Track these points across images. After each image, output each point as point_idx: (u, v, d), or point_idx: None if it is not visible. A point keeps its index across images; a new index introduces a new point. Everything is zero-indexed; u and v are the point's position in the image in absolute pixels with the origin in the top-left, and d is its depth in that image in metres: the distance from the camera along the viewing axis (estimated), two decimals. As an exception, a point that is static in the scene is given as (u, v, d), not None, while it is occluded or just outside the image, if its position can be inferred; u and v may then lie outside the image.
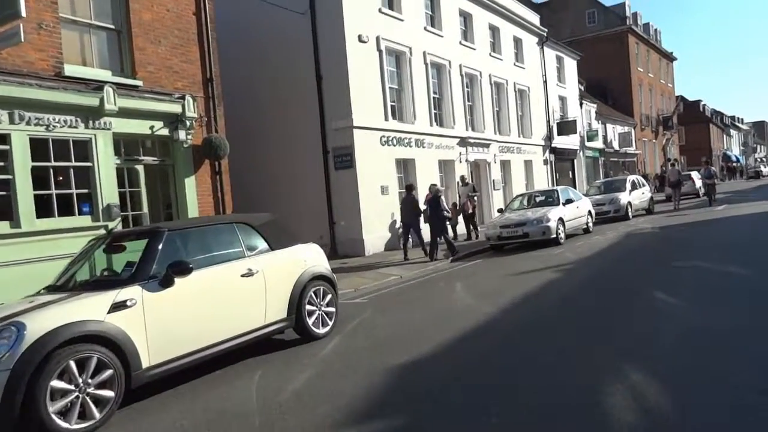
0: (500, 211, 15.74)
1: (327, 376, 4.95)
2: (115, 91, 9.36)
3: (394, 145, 16.00)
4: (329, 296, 6.52)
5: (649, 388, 3.81)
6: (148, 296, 4.63)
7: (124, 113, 9.64)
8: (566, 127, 27.66)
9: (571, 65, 30.84)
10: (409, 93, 16.98)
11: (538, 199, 15.44)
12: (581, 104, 31.54)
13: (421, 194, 16.05)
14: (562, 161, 28.61)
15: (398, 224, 15.70)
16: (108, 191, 9.41)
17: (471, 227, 16.65)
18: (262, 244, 5.98)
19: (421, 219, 13.70)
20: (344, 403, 4.16)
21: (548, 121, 26.82)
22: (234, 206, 11.99)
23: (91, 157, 9.26)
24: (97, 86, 9.25)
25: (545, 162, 26.33)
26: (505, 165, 22.66)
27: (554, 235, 13.32)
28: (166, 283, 4.75)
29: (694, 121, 56.68)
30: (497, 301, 7.27)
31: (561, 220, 13.76)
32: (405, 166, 16.84)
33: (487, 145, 20.90)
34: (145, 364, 4.53)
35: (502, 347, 5.28)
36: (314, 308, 6.27)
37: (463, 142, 19.38)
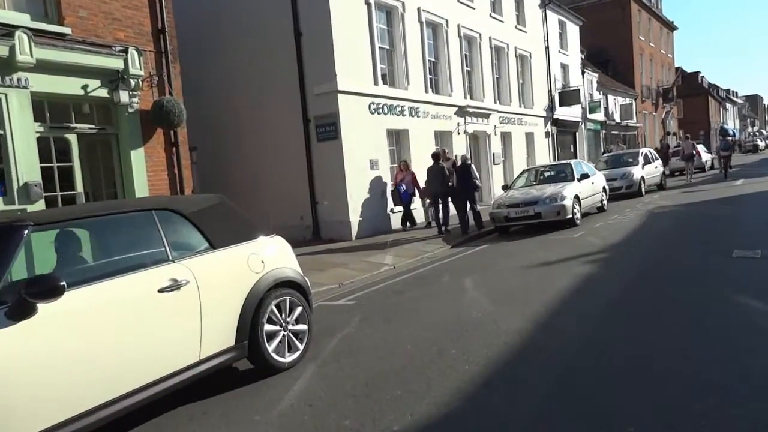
0: (505, 188, 13.94)
1: (288, 450, 3.17)
2: (31, 39, 7.34)
3: (385, 114, 14.07)
4: (299, 309, 4.70)
5: None
6: (-14, 336, 2.78)
7: (47, 68, 7.65)
8: (569, 96, 25.78)
9: (573, 31, 28.78)
10: (401, 55, 14.97)
11: (547, 174, 13.66)
12: (583, 73, 29.61)
13: (416, 169, 14.23)
14: (563, 134, 26.79)
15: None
16: (26, 166, 7.47)
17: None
18: (198, 241, 4.13)
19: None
20: None
21: (550, 91, 24.90)
22: (195, 184, 10.10)
23: (2, 123, 7.29)
24: (7, 32, 7.23)
25: (547, 134, 24.50)
26: (506, 137, 20.80)
27: (570, 215, 11.57)
28: (18, 312, 2.90)
29: (692, 94, 54.92)
30: (524, 310, 5.50)
31: (577, 197, 11.99)
32: (397, 138, 14.94)
33: (487, 116, 19.00)
34: (-23, 450, 2.71)
35: (550, 397, 3.52)
36: (277, 328, 4.46)
37: (462, 111, 17.46)
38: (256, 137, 13.85)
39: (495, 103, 19.87)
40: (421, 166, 14.98)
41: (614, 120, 34.41)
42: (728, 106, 78.96)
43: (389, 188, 13.76)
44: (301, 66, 12.85)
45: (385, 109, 14.05)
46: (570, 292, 6.06)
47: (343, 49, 12.72)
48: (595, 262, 7.69)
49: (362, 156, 13.14)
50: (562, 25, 27.36)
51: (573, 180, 12.57)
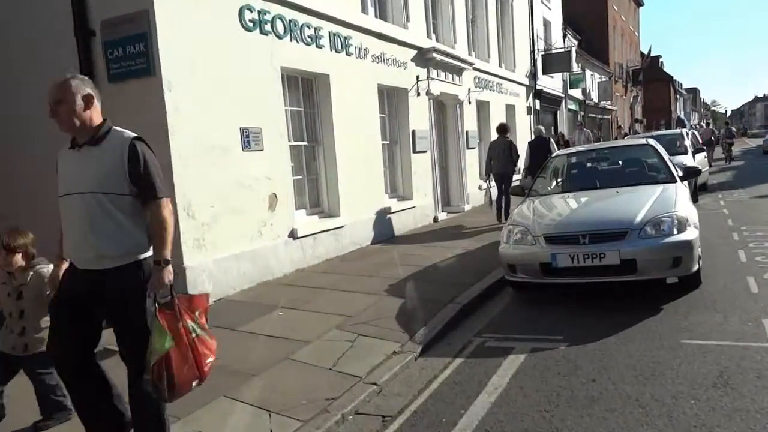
0: (519, 193, 7.05)
1: None
2: None
3: (279, 37, 6.89)
4: None
5: None
6: None
7: None
8: (555, 61, 19.45)
9: (555, -20, 22.49)
10: (317, -68, 7.80)
11: (605, 169, 6.94)
12: (564, 37, 23.41)
13: (344, 159, 7.40)
14: (545, 112, 20.46)
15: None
16: None
17: None
18: None
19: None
20: None
21: (533, 51, 18.40)
22: None
23: None
24: None
25: (529, 110, 18.02)
26: (481, 108, 14.08)
27: (696, 266, 4.91)
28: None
29: (654, 80, 50.60)
30: None
31: (693, 222, 5.32)
32: (307, 90, 7.81)
33: (460, 71, 12.15)
34: None
35: None
36: None
37: (423, 57, 10.52)
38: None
39: (470, 54, 13.07)
40: (348, 150, 8.04)
41: (592, 100, 28.59)
42: (678, 96, 76.51)
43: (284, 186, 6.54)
44: None
45: (279, 26, 6.87)
46: None
47: None
48: None
49: (220, 120, 5.96)
50: (544, -33, 20.92)
51: (673, 181, 5.91)
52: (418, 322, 4.80)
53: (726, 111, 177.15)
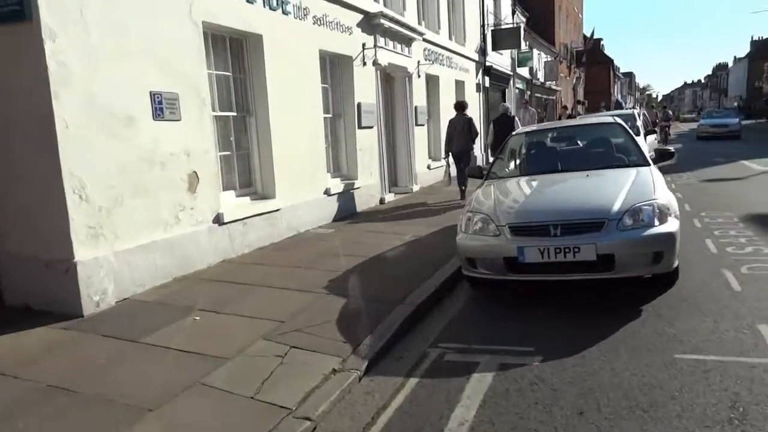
0: (477, 175, 6.31)
1: None
2: None
3: (202, -14, 5.81)
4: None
5: None
6: None
7: None
8: (505, 37, 18.85)
9: (505, -47, 21.81)
10: None
11: (568, 151, 6.33)
12: (514, 13, 22.88)
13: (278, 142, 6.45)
14: (493, 90, 19.92)
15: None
16: None
17: None
18: None
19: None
20: None
21: (483, 26, 17.73)
22: None
23: None
24: None
25: (478, 87, 17.41)
26: (431, 83, 13.31)
27: (676, 263, 4.36)
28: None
29: (596, 62, 51.42)
30: None
31: (674, 211, 4.74)
32: (237, 53, 6.76)
33: (409, 42, 11.29)
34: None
35: None
36: None
37: (371, 23, 9.58)
38: None
39: (420, 23, 12.22)
40: (286, 123, 7.11)
41: (539, 79, 28.42)
42: (616, 80, 78.63)
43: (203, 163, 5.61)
44: None
45: (202, -27, 5.78)
46: None
47: None
48: None
49: (123, 82, 4.88)
50: (495, -61, 20.19)
51: (646, 164, 5.35)
52: (364, 329, 4.02)
53: (658, 95, 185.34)
